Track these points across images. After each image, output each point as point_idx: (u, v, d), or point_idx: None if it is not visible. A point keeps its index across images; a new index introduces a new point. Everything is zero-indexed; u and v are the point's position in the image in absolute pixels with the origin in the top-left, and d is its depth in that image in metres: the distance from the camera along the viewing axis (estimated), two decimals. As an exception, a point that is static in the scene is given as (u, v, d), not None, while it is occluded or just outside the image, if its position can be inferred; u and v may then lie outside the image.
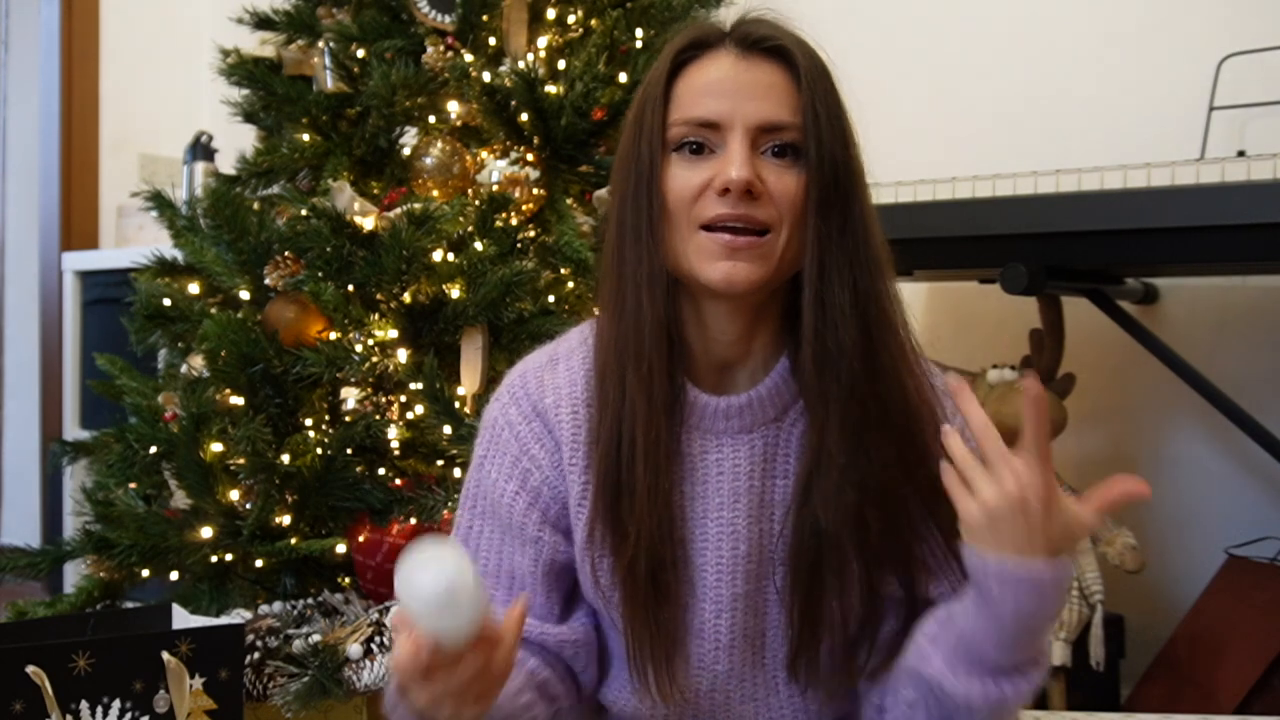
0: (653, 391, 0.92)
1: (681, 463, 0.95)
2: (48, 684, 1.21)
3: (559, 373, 1.00)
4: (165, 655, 1.28)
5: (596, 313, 1.00)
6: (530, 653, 0.98)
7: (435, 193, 1.76)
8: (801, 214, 0.90)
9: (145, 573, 1.73)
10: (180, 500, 1.74)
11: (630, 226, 0.93)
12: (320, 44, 1.89)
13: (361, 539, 1.63)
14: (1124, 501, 0.86)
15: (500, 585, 0.99)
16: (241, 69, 1.91)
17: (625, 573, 0.93)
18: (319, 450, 1.66)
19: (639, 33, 1.85)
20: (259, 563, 1.68)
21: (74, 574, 2.40)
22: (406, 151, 1.85)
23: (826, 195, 0.90)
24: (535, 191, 1.77)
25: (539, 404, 0.99)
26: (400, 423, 1.70)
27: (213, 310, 1.81)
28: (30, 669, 1.20)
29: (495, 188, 1.75)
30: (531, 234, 1.78)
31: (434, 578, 0.75)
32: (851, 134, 0.94)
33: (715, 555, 0.96)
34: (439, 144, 1.79)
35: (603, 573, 0.95)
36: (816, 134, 0.90)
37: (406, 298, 1.70)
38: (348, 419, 1.74)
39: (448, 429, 1.61)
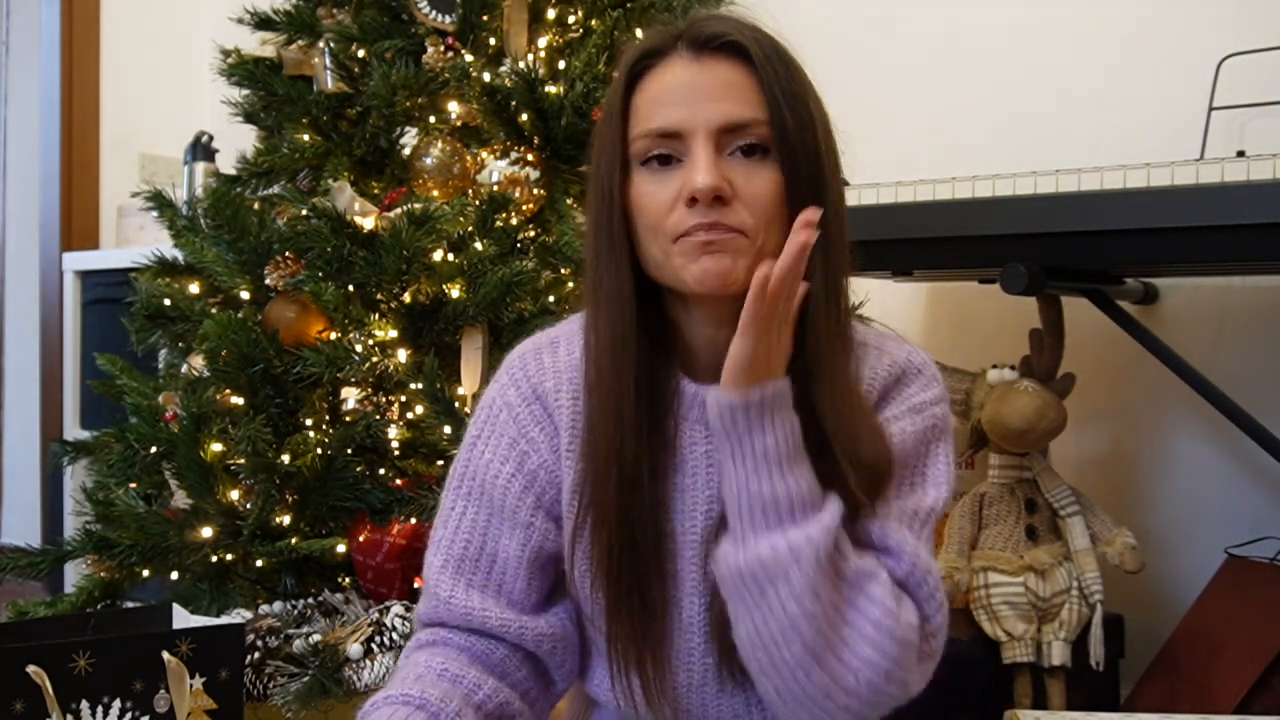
0: (622, 407, 0.90)
1: (672, 455, 0.95)
2: (48, 684, 1.21)
3: (560, 355, 0.98)
4: (165, 655, 1.28)
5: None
6: (488, 671, 0.96)
7: (435, 193, 1.76)
8: (777, 212, 0.87)
9: (145, 573, 1.73)
10: (180, 500, 1.74)
11: (596, 245, 0.92)
12: (320, 44, 1.89)
13: (361, 539, 1.63)
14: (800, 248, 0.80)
15: (480, 569, 0.97)
16: (242, 69, 1.91)
17: (608, 565, 0.92)
18: (319, 450, 1.66)
19: (639, 33, 1.85)
20: (259, 563, 1.68)
21: (74, 574, 2.40)
22: (406, 151, 1.85)
23: (799, 188, 0.88)
24: (535, 191, 1.78)
25: (539, 387, 0.98)
26: (400, 423, 1.70)
27: (213, 310, 1.82)
28: (31, 669, 1.20)
29: (495, 188, 1.76)
30: (531, 234, 1.79)
31: None
32: (818, 119, 0.90)
33: (702, 549, 0.95)
34: (439, 144, 1.79)
35: (588, 564, 0.94)
36: (782, 126, 0.87)
37: (406, 298, 1.70)
38: (348, 419, 1.74)
39: (448, 429, 1.61)
